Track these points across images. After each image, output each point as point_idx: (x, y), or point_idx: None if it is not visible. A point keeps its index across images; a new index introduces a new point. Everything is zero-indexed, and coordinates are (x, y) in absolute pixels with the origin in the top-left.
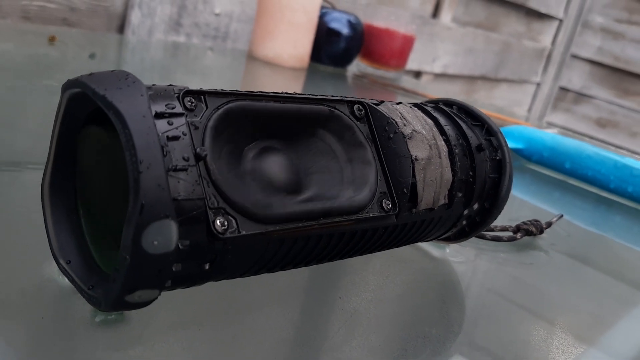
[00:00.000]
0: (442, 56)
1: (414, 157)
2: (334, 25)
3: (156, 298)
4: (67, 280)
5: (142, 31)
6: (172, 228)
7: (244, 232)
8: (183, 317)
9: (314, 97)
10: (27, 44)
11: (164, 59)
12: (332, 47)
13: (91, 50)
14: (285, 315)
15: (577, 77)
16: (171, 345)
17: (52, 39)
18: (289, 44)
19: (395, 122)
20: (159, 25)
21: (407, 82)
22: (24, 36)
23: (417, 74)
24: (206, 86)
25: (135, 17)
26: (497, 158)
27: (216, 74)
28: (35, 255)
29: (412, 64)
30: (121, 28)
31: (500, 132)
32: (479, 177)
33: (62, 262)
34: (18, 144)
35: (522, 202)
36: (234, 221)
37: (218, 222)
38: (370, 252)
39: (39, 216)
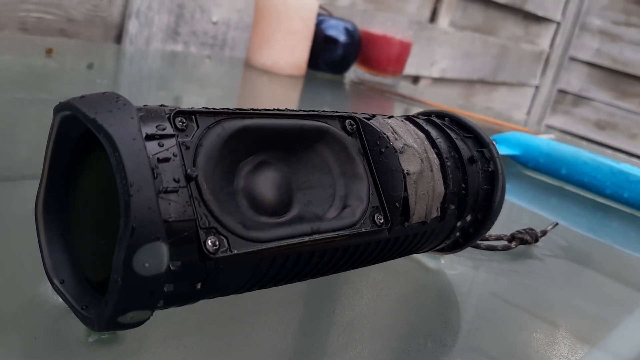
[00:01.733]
0: (440, 61)
1: (405, 171)
2: (331, 32)
3: (148, 318)
4: (60, 299)
5: (140, 41)
6: (163, 250)
7: (235, 251)
8: (177, 333)
9: (306, 112)
10: (25, 55)
11: (161, 68)
12: (329, 54)
13: (89, 61)
14: (279, 329)
15: (575, 80)
16: None
17: (49, 52)
18: (287, 51)
19: (387, 137)
20: (157, 34)
21: (405, 87)
22: (21, 47)
23: (415, 79)
24: (204, 95)
25: (132, 26)
26: (490, 169)
27: (214, 83)
28: (29, 274)
29: (410, 68)
30: (119, 38)
31: (493, 144)
32: (471, 189)
33: (55, 281)
34: (16, 156)
35: (519, 208)
36: (225, 240)
37: (209, 241)
38: (364, 266)
39: (33, 231)
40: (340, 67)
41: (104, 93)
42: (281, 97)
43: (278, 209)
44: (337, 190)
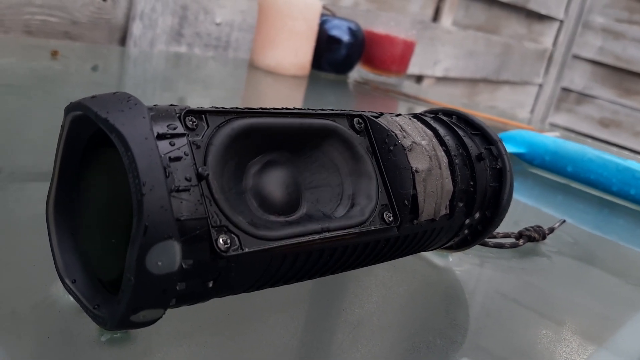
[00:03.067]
0: (443, 60)
1: (414, 168)
2: (335, 32)
3: (161, 317)
4: (72, 299)
5: (144, 42)
6: (175, 248)
7: (246, 250)
8: (188, 332)
9: (314, 111)
10: (30, 57)
11: (166, 70)
12: (333, 54)
13: (93, 63)
14: (289, 327)
15: (579, 78)
16: None
17: (54, 54)
18: (290, 52)
19: (395, 135)
20: (161, 36)
21: (409, 87)
22: (26, 50)
23: (419, 78)
24: (209, 96)
25: (136, 28)
26: (498, 167)
27: (218, 84)
28: (40, 274)
29: (413, 68)
30: (123, 40)
31: (500, 141)
32: (479, 187)
33: (67, 281)
34: (22, 157)
35: (525, 206)
36: (236, 239)
37: (221, 240)
38: (373, 263)
39: (44, 232)
40: (344, 67)
41: (114, 93)
42: (285, 97)
43: (286, 208)
44: (344, 189)
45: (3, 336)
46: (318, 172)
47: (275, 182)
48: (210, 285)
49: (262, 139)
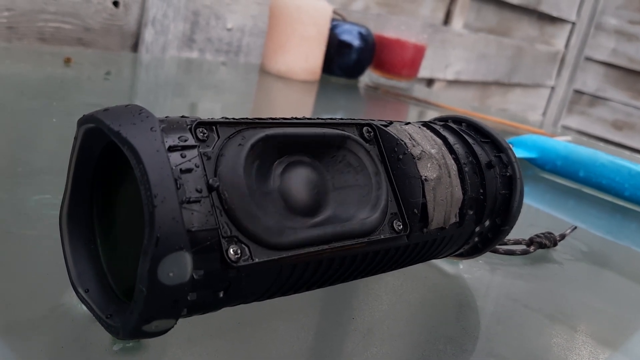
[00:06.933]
0: (454, 63)
1: (423, 177)
2: (345, 37)
3: (173, 327)
4: (85, 308)
5: (156, 48)
6: (187, 259)
7: (257, 260)
8: (199, 340)
9: (323, 120)
10: (44, 64)
11: (177, 75)
12: (343, 58)
13: (106, 69)
14: (299, 335)
15: (591, 80)
16: None
17: (67, 61)
18: (301, 57)
19: (404, 143)
20: (172, 42)
21: (420, 91)
22: (40, 57)
23: (430, 82)
24: (220, 101)
25: (148, 34)
26: (508, 174)
27: (229, 89)
28: (54, 282)
29: (424, 71)
30: (135, 46)
31: (510, 148)
32: (489, 194)
33: (80, 290)
34: (36, 164)
35: (536, 211)
36: (247, 249)
37: (231, 250)
38: (383, 272)
39: (57, 239)
40: (355, 71)
41: (127, 105)
42: (296, 102)
43: (303, 213)
44: (355, 196)
45: (17, 344)
46: (346, 172)
47: (299, 184)
48: (221, 295)
49: (275, 149)
